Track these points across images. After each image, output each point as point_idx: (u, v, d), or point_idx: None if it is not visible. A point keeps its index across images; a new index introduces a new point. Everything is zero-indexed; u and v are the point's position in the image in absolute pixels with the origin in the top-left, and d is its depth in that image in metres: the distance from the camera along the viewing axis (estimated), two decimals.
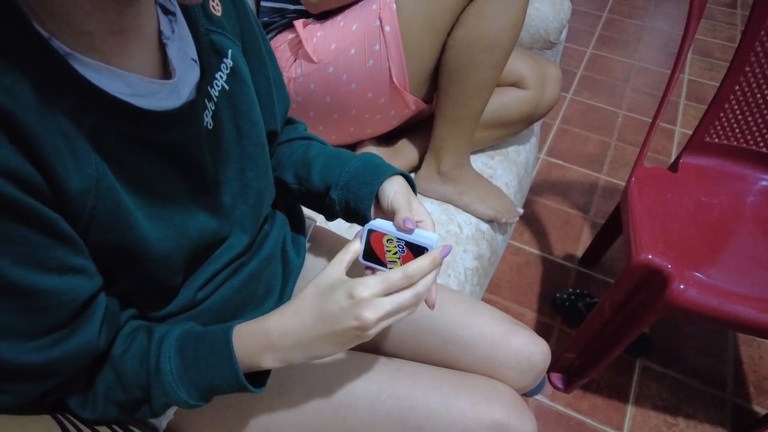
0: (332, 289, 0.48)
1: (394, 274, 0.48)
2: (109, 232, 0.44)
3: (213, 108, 0.53)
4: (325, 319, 0.48)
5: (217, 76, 0.54)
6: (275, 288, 0.72)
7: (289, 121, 0.77)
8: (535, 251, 1.58)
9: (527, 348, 0.67)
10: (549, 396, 1.26)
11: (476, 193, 1.04)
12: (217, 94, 0.53)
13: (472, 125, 0.98)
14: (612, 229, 1.41)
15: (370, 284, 0.47)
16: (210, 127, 0.52)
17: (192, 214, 0.53)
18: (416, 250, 0.52)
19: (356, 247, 0.54)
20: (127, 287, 0.50)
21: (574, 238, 1.63)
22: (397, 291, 0.48)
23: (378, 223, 0.55)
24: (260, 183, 0.63)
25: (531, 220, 1.68)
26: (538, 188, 1.79)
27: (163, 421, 0.63)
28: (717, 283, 0.95)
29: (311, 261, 0.78)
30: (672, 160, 1.25)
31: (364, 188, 0.63)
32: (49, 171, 0.38)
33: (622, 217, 1.11)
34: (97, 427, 0.55)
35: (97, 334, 0.46)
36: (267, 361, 0.50)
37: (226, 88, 0.55)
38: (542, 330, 1.39)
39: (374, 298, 0.47)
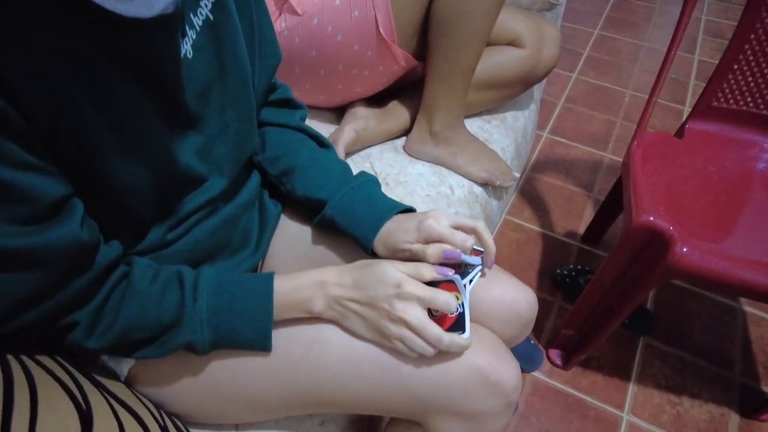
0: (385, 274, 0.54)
1: (442, 297, 0.53)
2: (69, 147, 0.42)
3: (194, 37, 0.50)
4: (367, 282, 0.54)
5: (202, 4, 0.51)
6: (252, 237, 0.68)
7: (290, 103, 0.74)
8: (536, 228, 1.54)
9: (510, 296, 0.63)
10: (547, 372, 1.21)
11: (469, 155, 1.00)
12: (200, 23, 0.50)
13: (464, 82, 0.94)
14: (614, 205, 1.36)
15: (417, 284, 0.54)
16: (190, 56, 0.50)
17: (166, 148, 0.51)
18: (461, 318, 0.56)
19: (428, 276, 0.56)
20: (93, 218, 0.48)
21: (577, 216, 1.58)
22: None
23: (467, 290, 0.58)
24: (241, 124, 0.60)
25: (532, 197, 1.63)
26: (541, 166, 1.74)
27: (124, 368, 0.59)
28: (722, 247, 0.90)
29: (289, 212, 0.74)
30: None
31: (359, 230, 0.64)
32: (4, 72, 0.36)
33: (623, 183, 1.06)
34: (57, 372, 0.52)
35: (78, 227, 0.44)
36: (317, 304, 0.55)
37: (211, 18, 0.52)
38: (542, 306, 1.34)
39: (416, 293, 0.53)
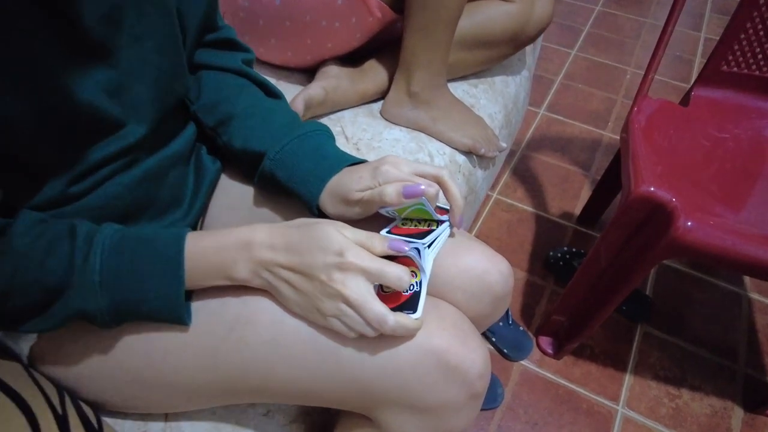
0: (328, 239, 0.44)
1: (392, 270, 0.43)
2: None
3: None
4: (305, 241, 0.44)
5: None
6: (185, 196, 0.59)
7: (232, 44, 0.64)
8: (529, 208, 1.44)
9: (479, 265, 0.53)
10: (536, 361, 1.12)
11: (452, 120, 0.90)
12: None
13: (446, 33, 0.84)
14: (612, 185, 1.26)
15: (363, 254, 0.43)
16: None
17: (60, 80, 0.41)
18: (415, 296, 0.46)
19: (379, 250, 0.45)
20: None
21: (573, 196, 1.48)
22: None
23: (429, 258, 0.48)
24: (164, 59, 0.50)
25: (526, 176, 1.53)
26: (536, 143, 1.64)
27: (23, 345, 0.50)
28: (730, 222, 0.81)
29: (231, 172, 0.64)
30: None
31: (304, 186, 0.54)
32: None
33: (621, 153, 0.97)
34: None
35: None
36: (241, 269, 0.45)
37: None
38: (533, 291, 1.25)
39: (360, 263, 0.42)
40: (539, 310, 1.21)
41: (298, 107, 0.81)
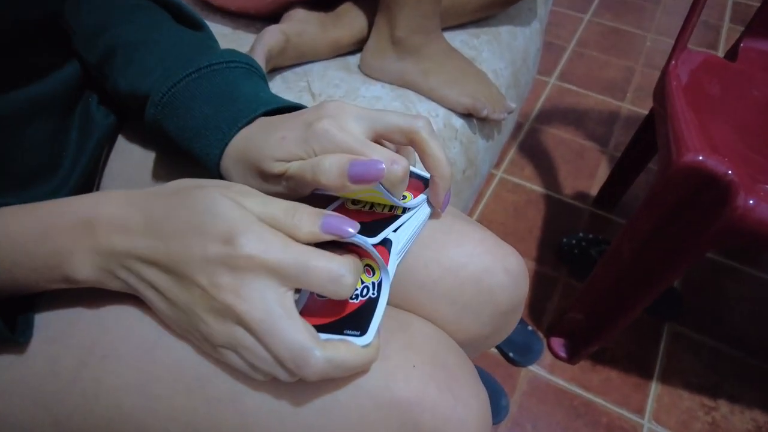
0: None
1: (322, 265, 0.26)
2: None
3: None
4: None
5: None
6: (61, 161, 0.42)
7: None
8: (539, 189, 1.27)
9: (476, 260, 0.36)
10: (547, 367, 0.97)
11: (448, 73, 0.73)
12: None
13: None
14: (634, 162, 1.10)
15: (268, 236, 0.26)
16: None
17: None
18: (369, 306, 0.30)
19: (305, 233, 0.28)
20: None
21: (589, 175, 1.32)
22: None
23: (394, 250, 0.32)
24: None
25: (535, 152, 1.37)
26: (546, 116, 1.47)
27: None
28: None
29: (131, 130, 0.47)
30: None
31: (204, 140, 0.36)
32: None
33: (656, 117, 0.79)
34: None
35: None
36: (80, 266, 0.28)
37: None
38: (543, 284, 1.09)
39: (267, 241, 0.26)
40: (551, 307, 1.06)
41: (259, 58, 0.64)
